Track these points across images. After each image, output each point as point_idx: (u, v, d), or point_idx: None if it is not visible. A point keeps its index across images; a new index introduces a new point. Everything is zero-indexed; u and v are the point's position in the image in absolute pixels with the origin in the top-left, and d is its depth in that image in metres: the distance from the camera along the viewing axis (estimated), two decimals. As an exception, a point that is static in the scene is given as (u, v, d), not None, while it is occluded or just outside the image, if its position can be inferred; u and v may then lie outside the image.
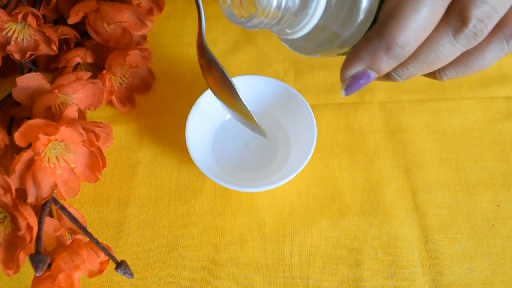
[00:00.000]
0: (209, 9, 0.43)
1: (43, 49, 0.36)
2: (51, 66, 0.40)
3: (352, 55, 0.23)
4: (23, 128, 0.29)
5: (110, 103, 0.40)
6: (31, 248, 0.28)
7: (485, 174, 0.38)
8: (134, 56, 0.38)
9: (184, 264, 0.34)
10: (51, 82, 0.35)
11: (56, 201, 0.31)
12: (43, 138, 0.29)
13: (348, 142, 0.39)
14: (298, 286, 0.33)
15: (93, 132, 0.32)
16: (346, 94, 0.24)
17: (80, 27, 0.40)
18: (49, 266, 0.28)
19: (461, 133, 0.40)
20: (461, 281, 0.33)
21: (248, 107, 0.29)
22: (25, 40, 0.36)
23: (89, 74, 0.36)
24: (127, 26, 0.39)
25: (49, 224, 0.30)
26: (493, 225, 0.35)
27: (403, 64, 0.23)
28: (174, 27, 0.48)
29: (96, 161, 0.34)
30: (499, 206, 0.36)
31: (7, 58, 0.36)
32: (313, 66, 0.44)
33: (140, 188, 0.38)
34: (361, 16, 0.21)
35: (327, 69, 0.44)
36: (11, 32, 0.36)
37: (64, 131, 0.30)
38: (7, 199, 0.28)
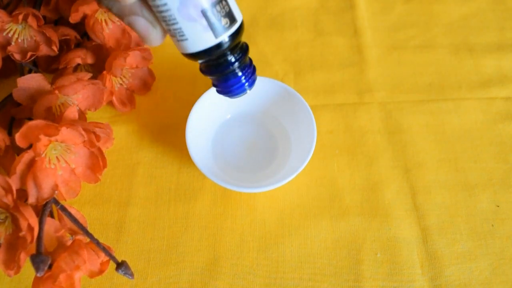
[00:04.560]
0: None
1: (44, 50, 0.36)
2: (52, 67, 0.40)
3: None
4: (24, 129, 0.29)
5: (110, 103, 0.40)
6: (32, 248, 0.28)
7: (485, 175, 0.38)
8: (134, 56, 0.38)
9: (184, 265, 0.34)
10: (52, 83, 0.35)
11: (56, 202, 0.31)
12: (44, 139, 0.29)
13: (347, 142, 0.40)
14: (298, 287, 0.33)
15: (94, 132, 0.32)
16: None
17: (80, 28, 0.40)
18: (50, 266, 0.28)
19: (460, 133, 0.40)
20: (461, 281, 0.33)
21: None
22: (25, 41, 0.36)
23: (90, 75, 0.36)
24: (126, 27, 0.39)
25: (50, 224, 0.30)
26: (493, 225, 0.35)
27: None
28: (174, 28, 0.48)
29: (96, 162, 0.34)
30: (498, 206, 0.36)
31: (8, 58, 0.36)
32: (313, 66, 0.44)
33: (140, 188, 0.38)
34: None
35: (326, 69, 0.44)
36: (11, 32, 0.36)
37: (65, 132, 0.30)
38: (8, 199, 0.28)
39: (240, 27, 0.22)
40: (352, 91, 0.43)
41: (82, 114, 0.36)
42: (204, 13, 0.20)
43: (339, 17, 0.48)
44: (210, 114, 0.39)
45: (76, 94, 0.35)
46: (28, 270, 0.33)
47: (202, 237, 0.35)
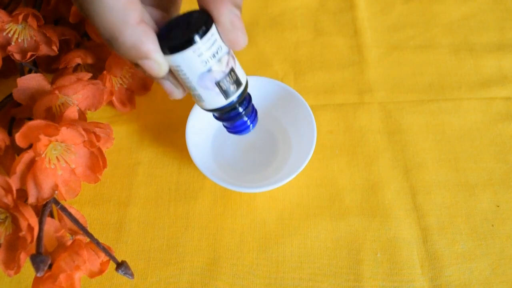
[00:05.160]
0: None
1: (44, 50, 0.36)
2: (52, 67, 0.40)
3: None
4: (24, 129, 0.29)
5: (110, 103, 0.40)
6: (32, 248, 0.28)
7: (485, 175, 0.38)
8: (134, 56, 0.38)
9: (184, 265, 0.34)
10: (52, 83, 0.35)
11: (56, 202, 0.31)
12: (44, 139, 0.29)
13: (347, 142, 0.40)
14: (298, 287, 0.33)
15: (94, 132, 0.32)
16: None
17: (80, 28, 0.40)
18: (50, 266, 0.28)
19: (460, 133, 0.40)
20: (461, 281, 0.33)
21: None
22: (25, 41, 0.36)
23: (90, 75, 0.36)
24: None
25: (50, 224, 0.30)
26: (493, 225, 0.35)
27: None
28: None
29: (96, 162, 0.34)
30: (498, 206, 0.36)
31: (8, 58, 0.36)
32: (313, 67, 0.44)
33: (140, 188, 0.38)
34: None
35: (326, 70, 0.44)
36: (11, 32, 0.36)
37: (65, 132, 0.30)
38: (8, 200, 0.28)
39: (245, 87, 0.28)
40: (352, 91, 0.43)
41: (82, 114, 0.36)
42: (217, 84, 0.26)
43: (339, 17, 0.48)
44: (210, 114, 0.39)
45: (76, 94, 0.35)
46: (28, 270, 0.33)
47: (202, 237, 0.35)
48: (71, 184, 0.33)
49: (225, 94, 0.26)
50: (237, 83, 0.27)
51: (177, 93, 0.28)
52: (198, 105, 0.28)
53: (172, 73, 0.27)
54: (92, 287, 0.33)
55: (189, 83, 0.26)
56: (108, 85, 0.38)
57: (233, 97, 0.27)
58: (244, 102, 0.29)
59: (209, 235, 0.36)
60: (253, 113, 0.30)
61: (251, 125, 0.30)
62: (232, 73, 0.26)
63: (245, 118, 0.30)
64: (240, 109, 0.28)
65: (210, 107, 0.27)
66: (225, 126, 0.31)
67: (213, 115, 0.30)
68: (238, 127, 0.30)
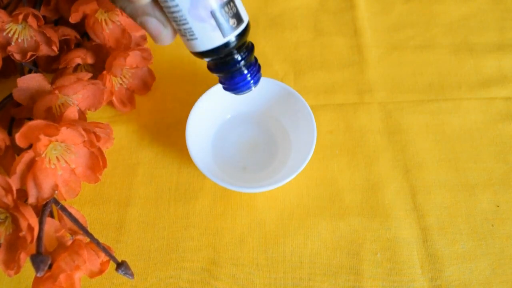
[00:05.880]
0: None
1: (44, 50, 0.36)
2: (52, 67, 0.40)
3: None
4: (24, 129, 0.29)
5: (110, 103, 0.40)
6: (32, 248, 0.28)
7: (485, 175, 0.38)
8: (134, 56, 0.38)
9: (184, 265, 0.34)
10: (52, 83, 0.35)
11: (56, 202, 0.31)
12: (44, 139, 0.29)
13: (347, 142, 0.40)
14: (298, 287, 0.33)
15: (94, 132, 0.32)
16: None
17: (80, 28, 0.40)
18: (50, 266, 0.28)
19: (460, 133, 0.40)
20: (461, 281, 0.33)
21: None
22: (25, 41, 0.36)
23: (90, 75, 0.36)
24: (126, 27, 0.39)
25: (50, 224, 0.30)
26: (493, 225, 0.35)
27: None
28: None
29: (96, 162, 0.34)
30: (498, 206, 0.36)
31: (8, 58, 0.36)
32: (313, 66, 0.44)
33: (140, 188, 0.38)
34: None
35: (326, 70, 0.44)
36: (11, 32, 0.36)
37: (65, 132, 0.30)
38: (8, 200, 0.28)
39: (247, 27, 0.24)
40: (352, 91, 0.43)
41: (82, 114, 0.36)
42: (213, 14, 0.22)
43: (339, 17, 0.48)
44: (210, 114, 0.39)
45: (76, 94, 0.35)
46: (28, 270, 0.33)
47: (202, 237, 0.35)
48: (71, 184, 0.33)
49: (222, 29, 0.22)
50: (237, 18, 0.23)
51: (165, 34, 0.24)
52: (190, 47, 0.24)
53: (159, 6, 0.23)
54: (92, 287, 0.33)
55: (178, 12, 0.22)
56: (108, 85, 0.38)
57: (231, 36, 0.23)
58: (244, 50, 0.25)
59: (209, 235, 0.36)
60: (255, 67, 0.26)
61: (252, 81, 0.26)
62: (231, 3, 0.22)
63: (245, 71, 0.25)
64: (239, 57, 0.24)
65: (203, 48, 0.23)
66: (221, 82, 0.27)
67: (208, 65, 0.26)
68: (237, 83, 0.26)
